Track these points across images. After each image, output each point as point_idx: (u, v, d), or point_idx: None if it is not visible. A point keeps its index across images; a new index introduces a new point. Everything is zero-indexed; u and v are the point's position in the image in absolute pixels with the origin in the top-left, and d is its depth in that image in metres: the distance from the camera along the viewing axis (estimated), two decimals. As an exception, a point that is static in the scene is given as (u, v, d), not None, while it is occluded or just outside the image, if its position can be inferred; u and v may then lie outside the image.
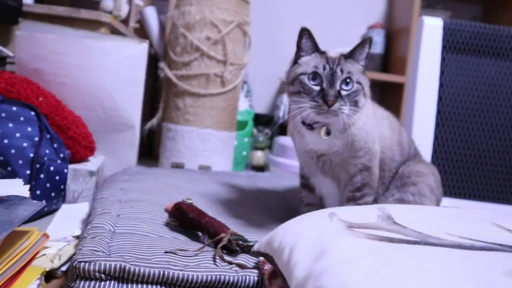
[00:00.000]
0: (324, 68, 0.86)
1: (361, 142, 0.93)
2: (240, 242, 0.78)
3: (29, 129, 1.08)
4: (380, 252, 0.49)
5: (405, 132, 1.12)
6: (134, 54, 1.53)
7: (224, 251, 0.77)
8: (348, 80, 0.87)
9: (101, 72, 1.47)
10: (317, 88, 0.86)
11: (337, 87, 0.86)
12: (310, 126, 0.91)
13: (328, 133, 0.91)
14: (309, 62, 0.89)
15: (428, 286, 0.42)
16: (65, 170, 1.14)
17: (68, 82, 1.44)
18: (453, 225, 0.58)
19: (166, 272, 0.66)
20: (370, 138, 0.95)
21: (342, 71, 0.86)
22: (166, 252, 0.72)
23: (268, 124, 2.63)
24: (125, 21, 2.13)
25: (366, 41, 0.91)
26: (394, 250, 0.49)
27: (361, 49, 0.91)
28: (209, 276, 0.68)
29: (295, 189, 1.15)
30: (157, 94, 2.16)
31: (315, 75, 0.86)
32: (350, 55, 0.90)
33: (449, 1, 2.88)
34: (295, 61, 0.92)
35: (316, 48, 0.91)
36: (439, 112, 1.40)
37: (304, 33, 0.90)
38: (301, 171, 1.07)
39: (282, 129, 2.53)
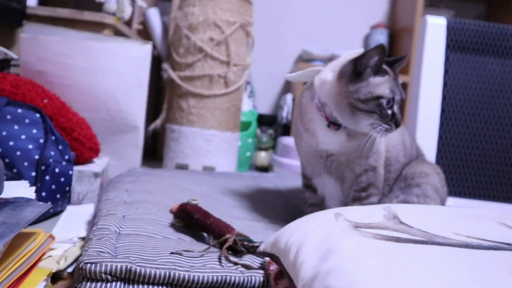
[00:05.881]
0: (398, 94, 0.89)
1: (374, 142, 0.95)
2: (245, 243, 0.78)
3: (34, 131, 1.08)
4: (387, 252, 0.48)
5: (407, 133, 1.12)
6: (138, 55, 1.53)
7: (230, 252, 0.77)
8: None
9: (105, 73, 1.47)
10: (390, 112, 0.88)
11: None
12: (338, 126, 0.92)
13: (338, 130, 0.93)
14: (382, 84, 0.88)
15: (436, 286, 0.42)
16: (70, 172, 1.14)
17: (72, 84, 1.44)
18: (460, 225, 0.58)
19: (172, 273, 0.66)
20: (378, 139, 0.96)
21: (402, 95, 0.90)
22: (171, 253, 0.72)
23: (272, 124, 2.63)
24: (129, 23, 2.14)
25: (406, 57, 0.93)
26: (401, 250, 0.49)
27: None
28: (215, 277, 0.68)
29: (300, 189, 1.15)
30: (161, 95, 2.17)
31: (390, 101, 0.88)
32: (396, 71, 0.92)
33: (452, 0, 2.88)
34: (358, 73, 0.88)
35: (380, 67, 0.88)
36: (443, 111, 1.39)
37: (381, 51, 0.86)
38: (303, 171, 1.07)
39: (286, 130, 2.53)
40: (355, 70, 0.87)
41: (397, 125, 0.89)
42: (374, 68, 0.87)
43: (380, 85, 0.87)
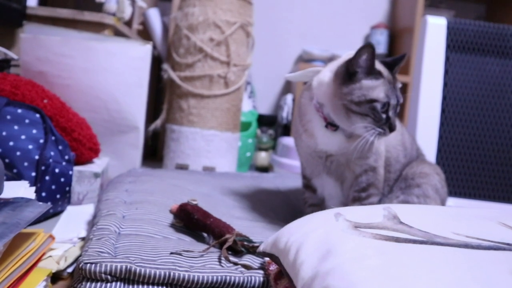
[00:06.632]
0: (393, 99, 0.88)
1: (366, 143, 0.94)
2: (245, 243, 0.78)
3: (34, 131, 1.08)
4: (387, 252, 0.48)
5: (407, 133, 1.12)
6: (138, 55, 1.53)
7: (230, 252, 0.77)
8: None
9: (105, 74, 1.47)
10: (384, 116, 0.87)
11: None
12: (336, 127, 0.92)
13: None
14: (376, 87, 0.87)
15: (436, 286, 0.42)
16: (70, 172, 1.14)
17: (72, 84, 1.44)
18: (460, 225, 0.58)
19: (171, 273, 0.66)
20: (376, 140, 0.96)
21: (399, 99, 0.89)
22: (171, 253, 0.72)
23: (272, 124, 2.63)
24: (129, 23, 2.14)
25: (404, 56, 0.93)
26: (401, 250, 0.49)
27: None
28: (215, 277, 0.68)
29: (300, 189, 1.15)
30: (161, 95, 2.17)
31: (384, 105, 0.87)
32: (395, 74, 0.92)
33: (452, 0, 2.88)
34: (350, 74, 0.87)
35: (372, 67, 0.87)
36: (443, 111, 1.39)
37: (368, 50, 0.85)
38: (303, 172, 1.07)
39: (286, 130, 2.53)
40: (348, 71, 0.87)
41: (391, 130, 0.88)
42: (366, 69, 0.87)
43: (374, 88, 0.87)
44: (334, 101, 0.89)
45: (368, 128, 0.87)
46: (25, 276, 0.66)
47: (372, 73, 0.87)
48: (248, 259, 0.75)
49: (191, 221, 0.87)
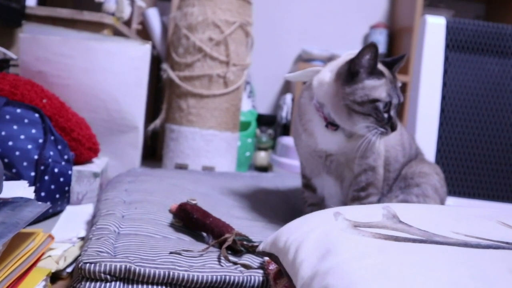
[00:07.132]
0: (395, 98, 0.88)
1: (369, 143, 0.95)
2: (244, 243, 0.78)
3: (33, 131, 1.08)
4: (386, 251, 0.48)
5: (406, 133, 1.12)
6: (137, 55, 1.53)
7: (229, 252, 0.77)
8: None
9: (104, 73, 1.47)
10: (386, 115, 0.88)
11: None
12: (336, 127, 0.92)
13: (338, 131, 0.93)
14: (379, 87, 0.87)
15: (435, 284, 0.42)
16: (69, 172, 1.14)
17: (71, 84, 1.44)
18: (459, 224, 0.58)
19: (171, 273, 0.66)
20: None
21: (400, 99, 0.89)
22: (171, 252, 0.72)
23: (271, 124, 2.63)
24: (128, 23, 2.13)
25: (404, 56, 0.93)
26: (400, 249, 0.49)
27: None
28: (214, 277, 0.68)
29: (299, 189, 1.15)
30: (160, 95, 2.17)
31: (386, 104, 0.87)
32: (395, 73, 0.92)
33: (452, 0, 2.88)
34: (353, 74, 0.87)
35: (375, 67, 0.87)
36: (442, 111, 1.39)
37: (371, 50, 0.85)
38: (303, 171, 1.07)
39: (285, 130, 2.53)
40: (350, 71, 0.87)
41: (393, 129, 0.88)
42: (368, 69, 0.86)
43: (376, 88, 0.87)
44: (335, 101, 0.89)
45: (370, 128, 0.87)
46: (24, 276, 0.66)
47: (374, 72, 0.87)
48: (248, 259, 0.75)
49: (190, 220, 0.87)
